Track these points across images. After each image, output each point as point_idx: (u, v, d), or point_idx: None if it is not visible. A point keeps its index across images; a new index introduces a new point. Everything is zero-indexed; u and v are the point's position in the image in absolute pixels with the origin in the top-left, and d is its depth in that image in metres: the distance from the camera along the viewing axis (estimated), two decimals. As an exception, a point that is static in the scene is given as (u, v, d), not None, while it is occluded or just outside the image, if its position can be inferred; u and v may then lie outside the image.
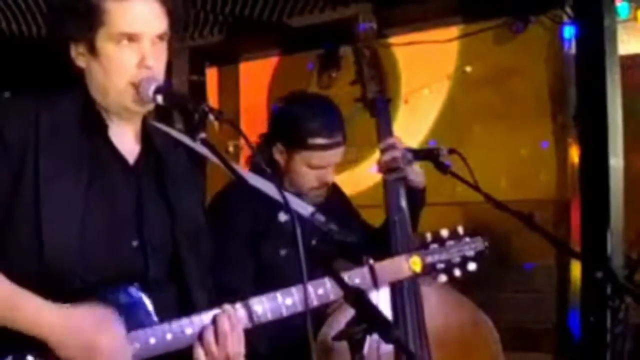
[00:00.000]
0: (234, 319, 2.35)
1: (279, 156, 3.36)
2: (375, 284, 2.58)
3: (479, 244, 2.80)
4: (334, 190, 3.59)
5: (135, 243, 2.44)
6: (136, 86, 2.38)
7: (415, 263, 2.67)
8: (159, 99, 2.39)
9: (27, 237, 2.28)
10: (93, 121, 2.43)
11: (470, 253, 2.77)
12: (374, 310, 2.21)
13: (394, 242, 3.34)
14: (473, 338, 3.45)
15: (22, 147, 2.30)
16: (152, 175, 2.51)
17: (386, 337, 2.17)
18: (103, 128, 2.44)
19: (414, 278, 3.05)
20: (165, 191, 2.52)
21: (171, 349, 2.33)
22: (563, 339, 4.86)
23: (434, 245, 2.72)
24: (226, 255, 3.17)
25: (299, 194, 3.27)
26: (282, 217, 3.15)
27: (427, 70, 5.49)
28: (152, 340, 2.31)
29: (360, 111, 3.57)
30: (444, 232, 2.74)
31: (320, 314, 3.07)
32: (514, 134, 5.16)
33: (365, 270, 2.58)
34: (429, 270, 2.70)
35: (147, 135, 2.53)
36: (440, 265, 2.72)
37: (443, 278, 2.73)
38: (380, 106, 3.51)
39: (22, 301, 2.21)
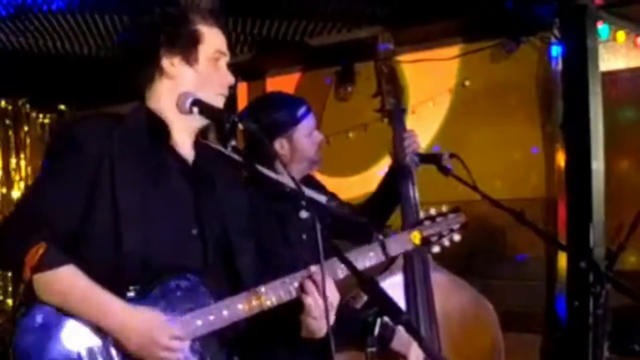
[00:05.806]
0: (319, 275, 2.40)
1: (280, 147, 3.29)
2: (386, 256, 2.66)
3: (462, 217, 2.89)
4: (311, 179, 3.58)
5: (194, 231, 2.47)
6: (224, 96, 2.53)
7: (415, 237, 2.76)
8: (195, 110, 2.41)
9: (106, 239, 2.31)
10: (158, 130, 2.48)
11: (456, 226, 2.86)
12: (384, 296, 2.20)
13: (405, 220, 3.45)
14: (475, 320, 3.44)
15: (100, 159, 2.35)
16: (206, 176, 2.55)
17: (395, 320, 2.16)
18: (166, 134, 2.49)
19: (420, 254, 3.29)
20: (216, 189, 2.56)
21: (228, 324, 2.38)
22: (551, 321, 4.83)
23: (427, 222, 2.81)
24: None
25: (313, 165, 3.38)
26: (303, 214, 3.14)
27: (431, 84, 5.47)
28: (211, 317, 2.36)
29: (374, 120, 3.58)
30: (433, 211, 2.84)
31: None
32: (508, 141, 5.14)
33: (376, 245, 2.66)
34: (426, 242, 2.79)
35: (198, 146, 2.58)
36: (434, 238, 2.81)
37: (436, 248, 2.83)
38: (397, 115, 3.53)
39: (108, 304, 2.27)
